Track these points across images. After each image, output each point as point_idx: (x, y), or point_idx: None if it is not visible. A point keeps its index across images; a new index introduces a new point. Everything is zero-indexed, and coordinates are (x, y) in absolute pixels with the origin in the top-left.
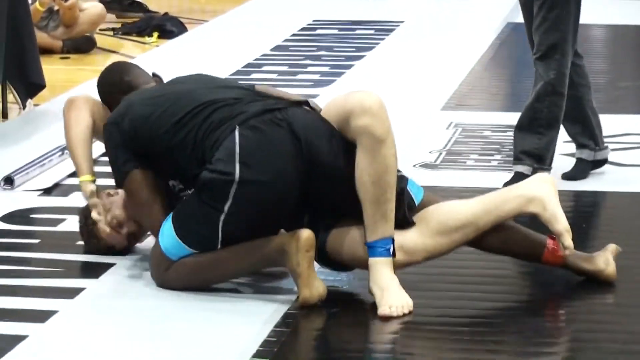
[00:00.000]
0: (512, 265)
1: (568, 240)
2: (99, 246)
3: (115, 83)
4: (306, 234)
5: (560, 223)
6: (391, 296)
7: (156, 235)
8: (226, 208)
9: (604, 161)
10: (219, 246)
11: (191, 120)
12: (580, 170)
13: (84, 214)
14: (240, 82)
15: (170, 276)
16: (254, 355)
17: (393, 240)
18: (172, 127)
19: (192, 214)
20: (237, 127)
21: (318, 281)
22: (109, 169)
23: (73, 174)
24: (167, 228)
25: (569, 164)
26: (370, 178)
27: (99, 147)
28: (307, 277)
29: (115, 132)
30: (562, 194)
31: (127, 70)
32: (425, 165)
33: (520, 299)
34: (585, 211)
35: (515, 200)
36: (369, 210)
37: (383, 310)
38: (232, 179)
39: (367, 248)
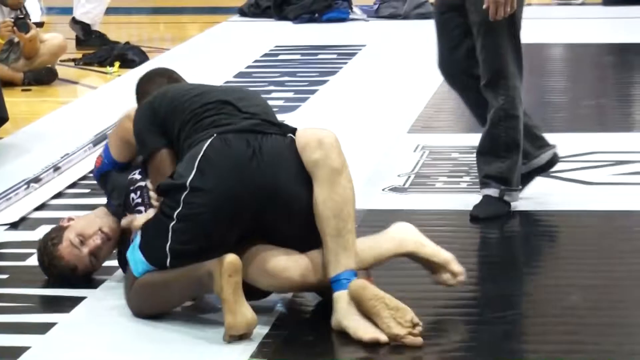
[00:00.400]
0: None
1: (458, 265)
2: (62, 269)
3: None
4: (230, 258)
5: (444, 252)
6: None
7: None
8: (175, 214)
9: (545, 166)
10: (168, 259)
11: (196, 113)
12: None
13: (43, 239)
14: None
15: (131, 296)
16: (252, 356)
17: (355, 272)
18: (186, 116)
19: (151, 223)
20: (214, 135)
21: (245, 308)
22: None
23: (39, 207)
24: (136, 240)
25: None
26: (331, 212)
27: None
28: (232, 303)
29: (149, 111)
30: (529, 215)
31: (170, 77)
32: (394, 189)
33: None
34: (553, 232)
35: (390, 242)
36: (330, 244)
37: (371, 335)
38: (184, 183)
39: (332, 282)
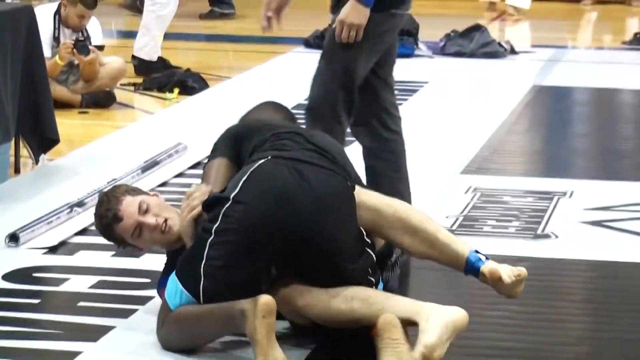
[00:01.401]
0: (527, 336)
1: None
2: (109, 211)
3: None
4: (264, 299)
5: (431, 337)
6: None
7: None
8: (214, 229)
9: None
10: (201, 282)
11: (267, 139)
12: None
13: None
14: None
15: (162, 329)
16: None
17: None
18: (260, 139)
19: (190, 247)
20: (269, 157)
21: (277, 351)
22: None
23: (80, 232)
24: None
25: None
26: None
27: None
28: (264, 346)
29: (226, 132)
30: (579, 264)
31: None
32: None
33: None
34: (603, 282)
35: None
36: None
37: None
38: (228, 197)
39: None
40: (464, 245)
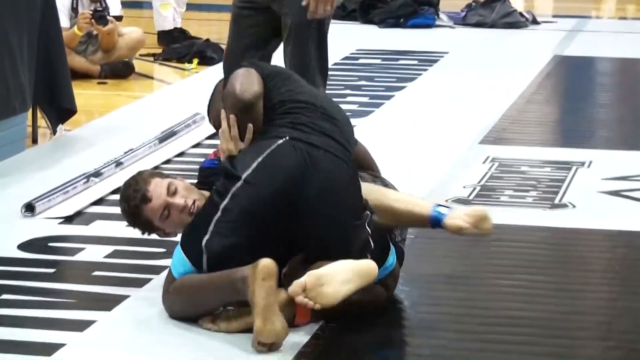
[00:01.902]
0: (541, 306)
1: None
2: (137, 192)
3: None
4: (264, 261)
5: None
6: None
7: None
8: (221, 207)
9: None
10: (204, 255)
11: (286, 107)
12: None
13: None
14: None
15: (166, 297)
16: None
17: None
18: (282, 97)
19: (197, 215)
20: (287, 138)
21: (276, 316)
22: None
23: (96, 202)
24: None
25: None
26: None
27: None
28: (262, 308)
29: (261, 70)
30: (596, 234)
31: None
32: (458, 200)
33: (548, 342)
34: (614, 251)
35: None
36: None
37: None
38: (239, 175)
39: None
40: (424, 206)
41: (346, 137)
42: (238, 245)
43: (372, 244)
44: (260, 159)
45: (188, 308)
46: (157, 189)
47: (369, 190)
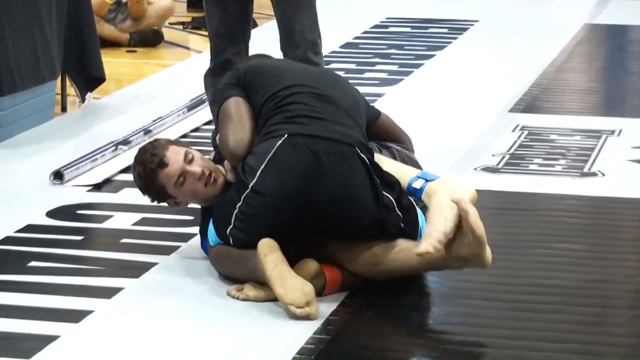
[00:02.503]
0: (570, 274)
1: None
2: (154, 157)
3: None
4: (262, 242)
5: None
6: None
7: (230, 149)
8: (238, 206)
9: None
10: (231, 240)
11: (280, 95)
12: None
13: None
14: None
15: (210, 259)
16: (317, 333)
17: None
18: (268, 91)
19: (222, 202)
20: (286, 136)
21: (293, 277)
22: None
23: (125, 170)
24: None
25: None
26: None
27: None
28: (276, 277)
29: (231, 74)
30: (625, 202)
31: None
32: (487, 169)
33: (577, 310)
34: None
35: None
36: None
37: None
38: (247, 184)
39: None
40: (411, 174)
41: (348, 110)
42: (256, 242)
43: (402, 225)
44: (263, 166)
45: (226, 273)
46: (175, 155)
47: None
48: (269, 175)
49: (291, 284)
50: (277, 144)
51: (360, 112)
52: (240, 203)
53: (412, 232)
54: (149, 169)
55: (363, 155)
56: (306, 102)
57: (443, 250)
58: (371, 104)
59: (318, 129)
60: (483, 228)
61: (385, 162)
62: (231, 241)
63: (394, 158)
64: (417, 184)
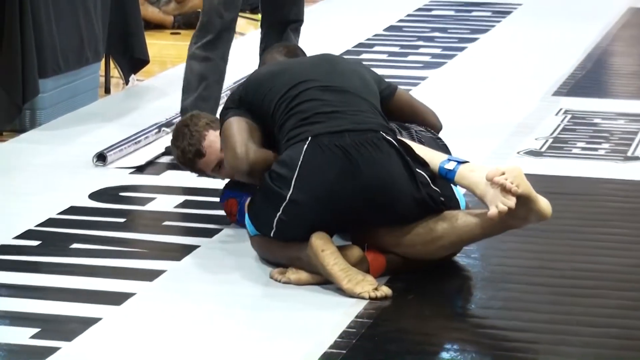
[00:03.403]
0: (612, 258)
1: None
2: (191, 145)
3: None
4: (313, 238)
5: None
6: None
7: (232, 166)
8: (278, 215)
9: None
10: (273, 230)
11: (287, 97)
12: None
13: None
14: (385, 77)
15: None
16: (331, 347)
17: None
18: (273, 97)
19: (261, 196)
20: (310, 138)
21: (354, 271)
22: None
23: (167, 153)
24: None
25: None
26: None
27: None
28: (339, 271)
29: (231, 96)
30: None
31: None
32: (530, 152)
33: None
34: None
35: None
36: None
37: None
38: (284, 195)
39: (445, 170)
40: (440, 157)
41: (359, 94)
42: (299, 237)
43: (442, 199)
44: (296, 175)
45: (268, 258)
46: (212, 144)
47: None
48: (304, 183)
49: (354, 276)
50: (304, 149)
51: (371, 90)
52: (280, 213)
53: (453, 205)
54: (187, 159)
55: (389, 138)
56: (317, 97)
57: (513, 205)
58: (386, 80)
59: (338, 123)
60: (527, 184)
61: (411, 144)
62: (272, 232)
63: (412, 139)
64: (449, 166)
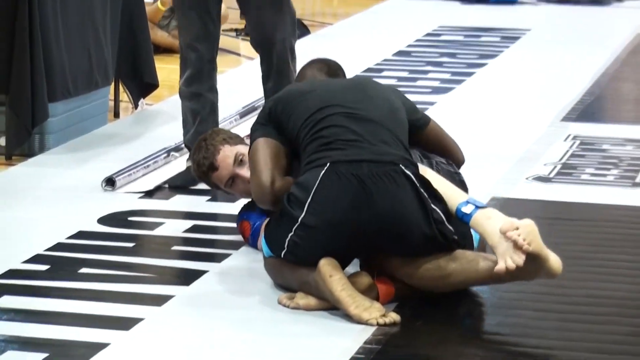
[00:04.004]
0: (621, 285)
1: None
2: (205, 158)
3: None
4: (322, 263)
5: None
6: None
7: (256, 197)
8: (289, 237)
9: None
10: (284, 250)
11: (313, 120)
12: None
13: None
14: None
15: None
16: (366, 342)
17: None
18: (298, 118)
19: (274, 224)
20: (328, 165)
21: (361, 297)
22: None
23: (172, 187)
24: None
25: None
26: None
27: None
28: (346, 297)
29: (262, 111)
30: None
31: (330, 67)
32: (539, 178)
33: (628, 322)
34: None
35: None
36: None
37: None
38: (297, 217)
39: (462, 213)
40: (458, 198)
41: (384, 123)
42: (310, 261)
43: (455, 237)
44: (310, 199)
45: (280, 283)
46: (226, 159)
47: None
48: (317, 207)
49: (362, 303)
50: (321, 175)
51: (399, 119)
52: (292, 234)
53: (467, 244)
54: (201, 172)
55: (408, 172)
56: (341, 124)
57: (521, 263)
58: (422, 111)
59: (358, 152)
60: (539, 242)
61: (432, 178)
62: (284, 252)
63: (431, 168)
64: (466, 209)
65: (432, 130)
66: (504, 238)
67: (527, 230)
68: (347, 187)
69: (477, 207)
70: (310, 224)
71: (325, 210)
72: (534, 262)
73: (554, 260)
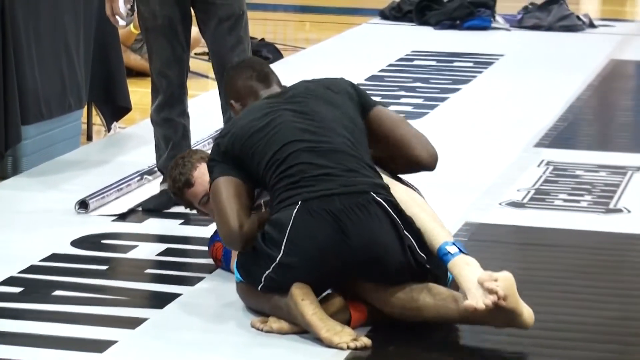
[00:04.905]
0: (594, 311)
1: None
2: (182, 176)
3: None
4: (294, 287)
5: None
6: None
7: (226, 241)
8: (265, 275)
9: None
10: (261, 285)
11: (276, 159)
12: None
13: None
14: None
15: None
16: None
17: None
18: (261, 159)
19: (250, 260)
20: (300, 203)
21: (332, 322)
22: None
23: (146, 210)
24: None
25: None
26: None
27: None
28: (317, 321)
29: (216, 147)
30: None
31: (260, 71)
32: (512, 204)
33: (601, 348)
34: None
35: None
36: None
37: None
38: (274, 256)
39: (442, 255)
40: (443, 234)
41: (347, 147)
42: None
43: (428, 266)
44: (285, 239)
45: (251, 307)
46: (202, 176)
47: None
48: (293, 247)
49: (333, 327)
50: (294, 214)
51: (359, 137)
52: (269, 271)
53: (440, 273)
54: (176, 187)
55: (379, 199)
56: (305, 160)
57: (491, 305)
58: (376, 101)
59: (328, 186)
60: (515, 297)
61: (409, 200)
62: (260, 286)
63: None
64: (451, 249)
65: (376, 117)
66: (481, 287)
67: (505, 285)
68: (322, 224)
69: (461, 252)
70: (289, 264)
71: (302, 250)
72: (506, 315)
73: (528, 315)
